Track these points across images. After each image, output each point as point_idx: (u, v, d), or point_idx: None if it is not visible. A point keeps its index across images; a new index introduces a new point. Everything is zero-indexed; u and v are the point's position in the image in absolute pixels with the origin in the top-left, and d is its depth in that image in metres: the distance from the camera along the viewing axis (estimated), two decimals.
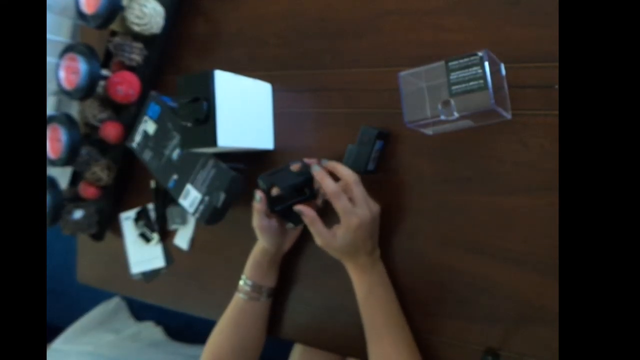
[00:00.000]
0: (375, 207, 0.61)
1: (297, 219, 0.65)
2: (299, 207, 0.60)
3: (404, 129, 0.63)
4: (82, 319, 1.59)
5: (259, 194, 0.64)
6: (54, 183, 0.85)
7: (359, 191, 0.59)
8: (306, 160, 0.64)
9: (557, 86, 0.55)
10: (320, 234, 0.60)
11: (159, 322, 1.68)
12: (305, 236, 0.71)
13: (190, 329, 1.60)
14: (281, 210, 0.64)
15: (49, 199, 0.83)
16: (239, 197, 0.72)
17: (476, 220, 0.60)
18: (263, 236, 0.66)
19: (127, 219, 0.91)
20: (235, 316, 0.70)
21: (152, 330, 1.64)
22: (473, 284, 0.60)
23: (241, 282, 0.70)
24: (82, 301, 1.70)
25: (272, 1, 0.76)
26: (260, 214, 0.64)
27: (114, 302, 1.70)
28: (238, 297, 0.70)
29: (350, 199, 0.59)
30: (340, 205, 0.58)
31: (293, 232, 0.70)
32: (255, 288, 0.69)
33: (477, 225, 0.60)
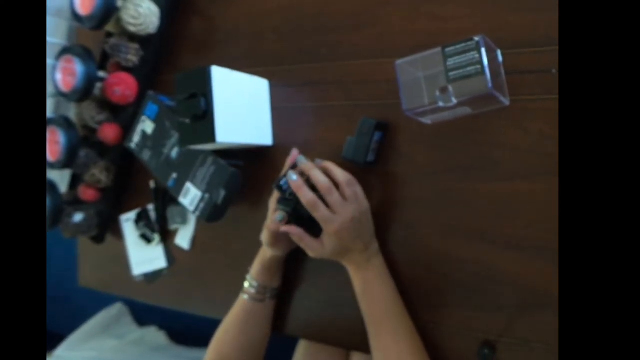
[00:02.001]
0: (354, 208, 0.59)
1: (318, 230, 0.64)
2: (284, 229, 0.61)
3: (403, 119, 0.63)
4: (85, 325, 1.58)
5: (281, 215, 0.63)
6: (53, 186, 0.85)
7: (334, 198, 0.58)
8: (294, 151, 0.65)
9: (554, 70, 0.55)
10: (310, 247, 0.62)
11: (162, 326, 1.67)
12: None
13: (193, 333, 1.59)
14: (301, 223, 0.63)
15: (48, 202, 0.83)
16: (239, 194, 0.72)
17: (477, 208, 0.60)
18: (274, 249, 0.67)
19: (128, 221, 0.90)
20: (240, 317, 0.70)
21: (155, 335, 1.63)
22: (475, 272, 0.60)
23: (246, 284, 0.70)
24: (84, 308, 1.70)
25: None
26: (274, 232, 0.64)
27: (117, 308, 1.70)
28: (242, 299, 0.70)
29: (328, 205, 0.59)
30: (318, 215, 0.58)
31: None
32: (260, 289, 0.69)
33: (478, 212, 0.60)
